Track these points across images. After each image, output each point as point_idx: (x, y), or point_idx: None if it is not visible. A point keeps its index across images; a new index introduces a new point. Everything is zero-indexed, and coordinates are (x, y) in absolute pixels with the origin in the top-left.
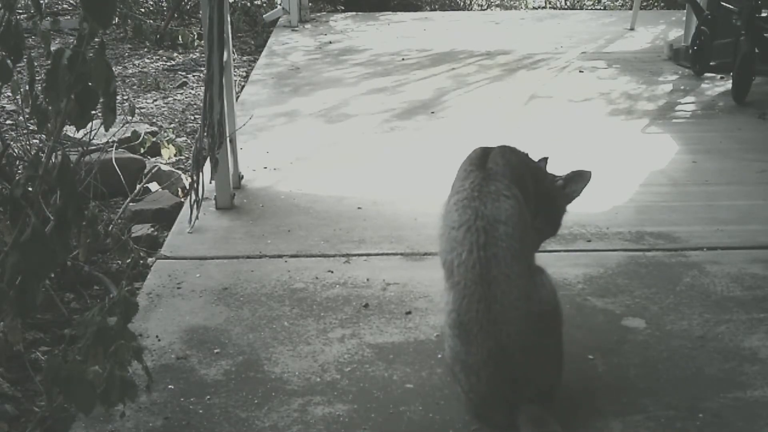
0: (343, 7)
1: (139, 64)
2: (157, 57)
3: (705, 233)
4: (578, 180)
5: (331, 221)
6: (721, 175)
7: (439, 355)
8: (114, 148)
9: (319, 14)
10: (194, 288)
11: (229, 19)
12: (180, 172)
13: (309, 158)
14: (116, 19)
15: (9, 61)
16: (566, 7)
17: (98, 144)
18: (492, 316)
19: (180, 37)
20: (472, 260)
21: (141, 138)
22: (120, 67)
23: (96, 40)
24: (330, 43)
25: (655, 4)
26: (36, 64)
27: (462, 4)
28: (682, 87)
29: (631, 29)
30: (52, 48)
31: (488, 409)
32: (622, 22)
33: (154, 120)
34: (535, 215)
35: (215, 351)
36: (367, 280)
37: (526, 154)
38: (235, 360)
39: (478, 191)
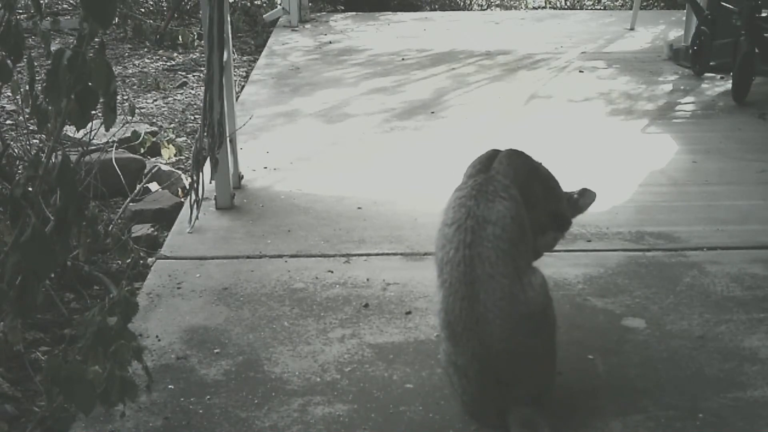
0: (343, 7)
1: (139, 64)
2: (157, 57)
3: (705, 233)
4: (587, 197)
5: (331, 221)
6: (721, 175)
7: (439, 356)
8: (114, 148)
9: (319, 14)
10: (194, 288)
11: (229, 19)
12: (180, 172)
13: (309, 158)
14: (116, 19)
15: (9, 61)
16: (566, 7)
17: (98, 144)
18: (475, 316)
19: (180, 37)
20: (458, 258)
21: (141, 138)
22: (120, 67)
23: (96, 40)
24: (330, 43)
25: (655, 4)
26: (36, 64)
27: (462, 4)
28: (682, 87)
29: (631, 29)
30: (52, 48)
31: (480, 411)
32: (622, 22)
33: (154, 120)
34: (553, 218)
35: (215, 351)
36: (367, 280)
37: (539, 162)
38: (235, 360)
39: (476, 190)
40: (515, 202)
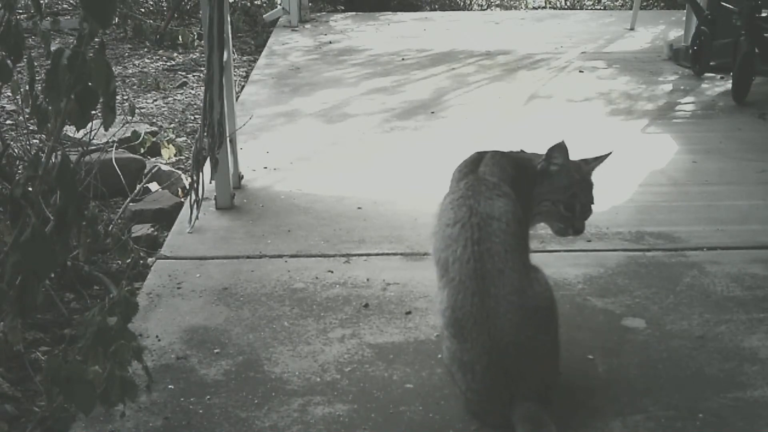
0: (343, 7)
1: (139, 64)
2: (157, 57)
3: (705, 233)
4: (556, 153)
5: (331, 221)
6: (721, 175)
7: (439, 356)
8: (114, 148)
9: (319, 14)
10: (194, 288)
11: (229, 19)
12: (180, 172)
13: (309, 158)
14: (116, 19)
15: (9, 61)
16: (566, 7)
17: (98, 144)
18: (485, 310)
19: (180, 37)
20: (467, 255)
21: (141, 138)
22: (120, 67)
23: (96, 40)
24: (330, 43)
25: (655, 4)
26: (36, 64)
27: (462, 4)
28: (682, 87)
29: (631, 29)
30: (52, 48)
31: (485, 408)
32: (622, 22)
33: (154, 120)
34: (542, 210)
35: (215, 351)
36: (367, 280)
37: (519, 155)
38: (235, 360)
39: (472, 191)
40: (510, 199)
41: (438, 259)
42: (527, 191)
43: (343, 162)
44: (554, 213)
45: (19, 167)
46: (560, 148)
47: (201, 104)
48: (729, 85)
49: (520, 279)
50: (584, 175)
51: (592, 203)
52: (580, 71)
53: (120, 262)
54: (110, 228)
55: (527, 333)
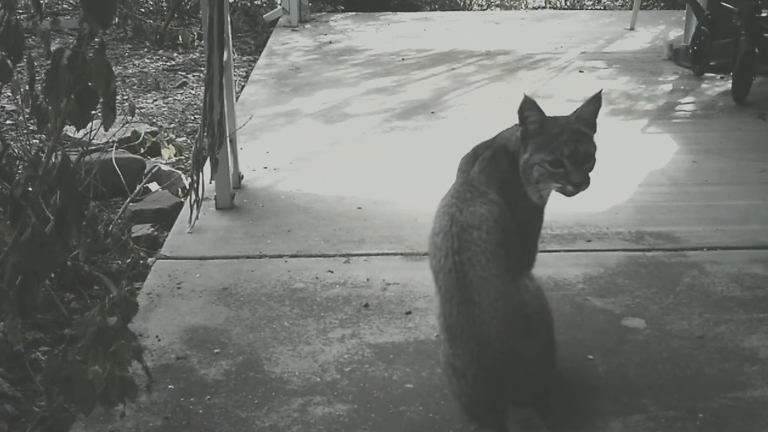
0: (343, 7)
1: (139, 64)
2: (157, 57)
3: (705, 233)
4: (526, 111)
5: (331, 221)
6: (721, 175)
7: (439, 356)
8: (114, 148)
9: (319, 14)
10: (194, 288)
11: (229, 19)
12: (180, 172)
13: (309, 158)
14: (116, 19)
15: (9, 61)
16: (566, 7)
17: (98, 144)
18: (471, 318)
19: (180, 37)
20: (449, 266)
21: (141, 138)
22: (120, 67)
23: (96, 40)
24: (330, 43)
25: (655, 4)
26: (36, 64)
27: (462, 4)
28: (682, 87)
29: (631, 29)
30: (52, 48)
31: (479, 412)
32: (622, 22)
33: (154, 120)
34: (538, 178)
35: (215, 351)
36: (367, 280)
37: (512, 147)
38: (235, 360)
39: (456, 198)
40: (496, 205)
41: (431, 266)
42: (518, 200)
43: (343, 162)
44: (546, 175)
45: (19, 167)
46: (528, 104)
47: (201, 104)
48: (729, 85)
49: (505, 286)
50: (566, 124)
51: (589, 151)
52: (580, 71)
53: (120, 262)
54: (110, 228)
55: (515, 339)
